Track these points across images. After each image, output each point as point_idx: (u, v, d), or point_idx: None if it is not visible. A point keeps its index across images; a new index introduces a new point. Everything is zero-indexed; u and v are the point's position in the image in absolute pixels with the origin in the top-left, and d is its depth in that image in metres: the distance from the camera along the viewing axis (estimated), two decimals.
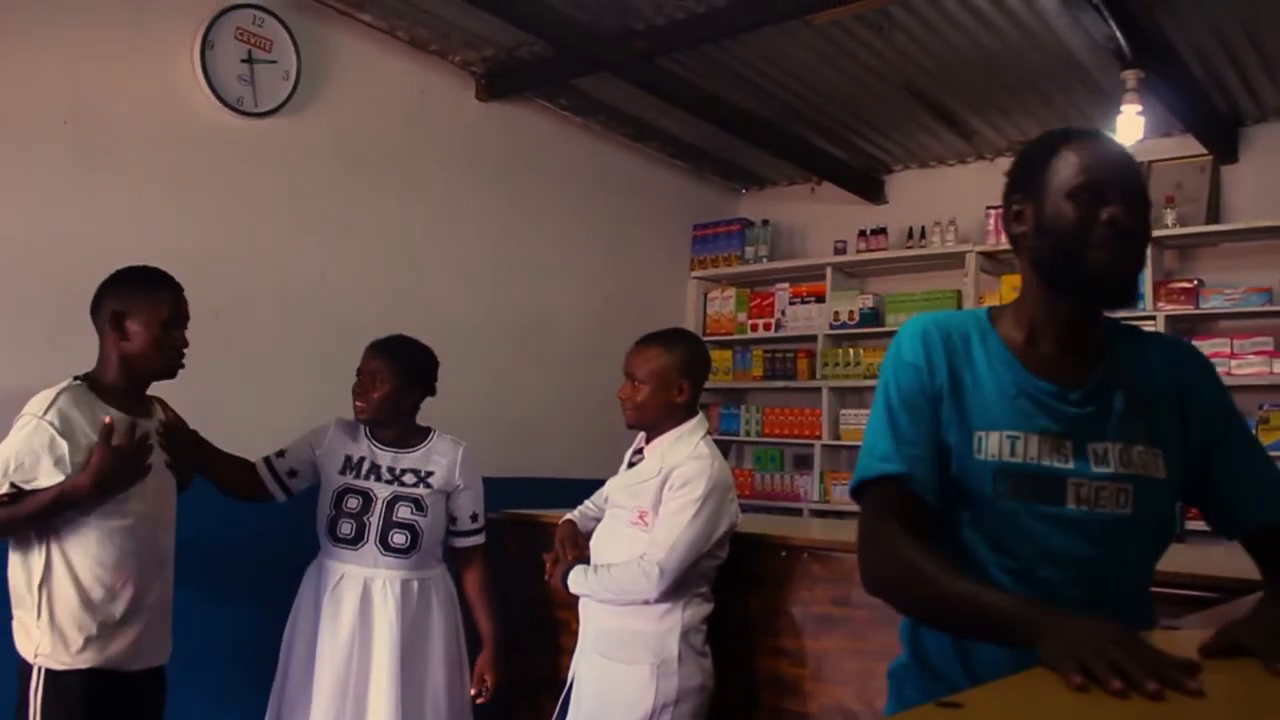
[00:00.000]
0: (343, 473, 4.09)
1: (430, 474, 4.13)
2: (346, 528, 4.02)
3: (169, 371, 3.40)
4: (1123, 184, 2.01)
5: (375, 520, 4.01)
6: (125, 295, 3.33)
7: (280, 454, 4.16)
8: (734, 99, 6.40)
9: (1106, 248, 1.98)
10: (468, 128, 6.24)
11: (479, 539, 4.28)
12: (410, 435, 4.20)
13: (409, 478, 4.10)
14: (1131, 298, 2.07)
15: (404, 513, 4.05)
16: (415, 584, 4.07)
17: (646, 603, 3.62)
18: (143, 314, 3.31)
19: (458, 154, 6.17)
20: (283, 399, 5.12)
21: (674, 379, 3.75)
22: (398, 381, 4.11)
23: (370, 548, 4.00)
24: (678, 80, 6.05)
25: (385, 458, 4.12)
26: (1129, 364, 2.11)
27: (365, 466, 4.10)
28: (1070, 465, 2.01)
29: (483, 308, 6.22)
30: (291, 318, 5.27)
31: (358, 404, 4.12)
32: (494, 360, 6.17)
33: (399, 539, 4.02)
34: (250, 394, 5.02)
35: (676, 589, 3.61)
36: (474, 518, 4.25)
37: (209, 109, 4.97)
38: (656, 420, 3.78)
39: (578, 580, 3.76)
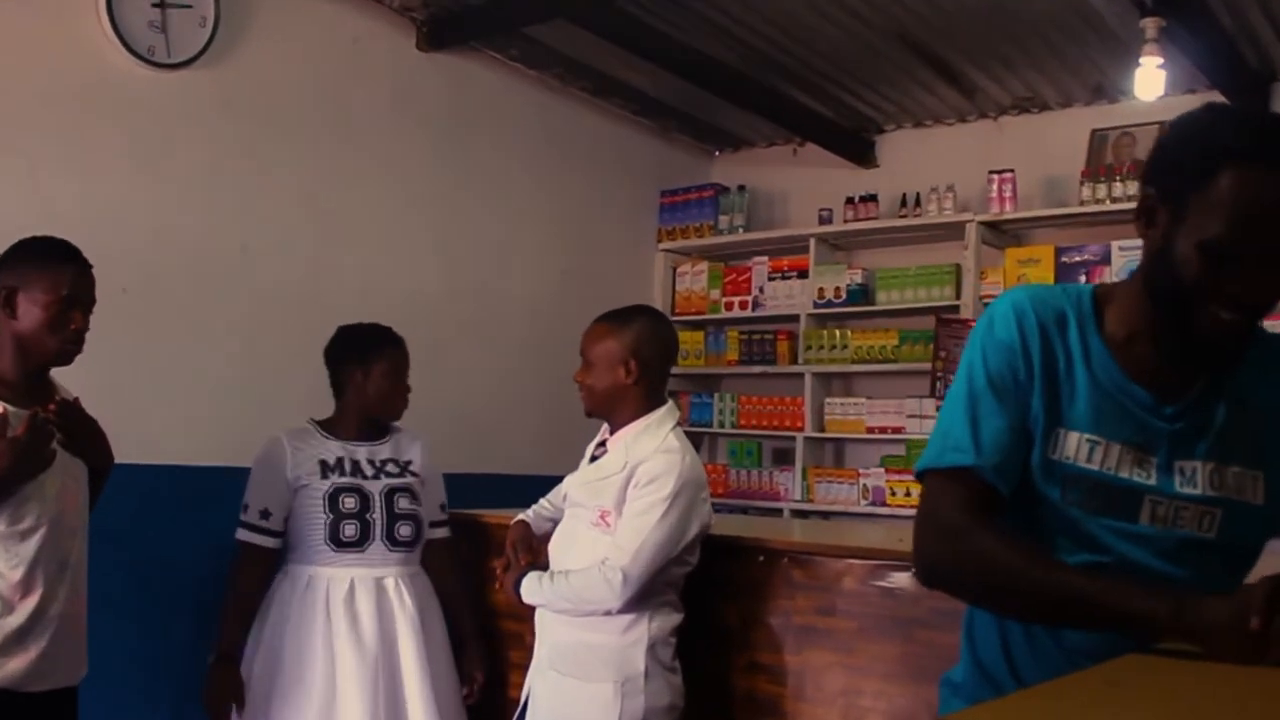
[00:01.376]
0: (325, 476, 4.19)
1: (409, 462, 4.32)
2: (350, 529, 4.14)
3: (63, 356, 3.35)
4: (1270, 249, 1.89)
5: (379, 516, 4.16)
6: (20, 269, 3.30)
7: (265, 515, 4.20)
8: (707, 49, 6.42)
9: (1220, 317, 1.92)
10: (407, 81, 6.25)
11: (448, 531, 4.46)
12: (375, 428, 4.35)
13: (392, 468, 4.27)
14: (1233, 363, 2.04)
15: (404, 504, 4.22)
16: (420, 578, 4.26)
17: (609, 613, 3.64)
18: (38, 290, 3.27)
19: (396, 111, 6.17)
20: (200, 387, 5.12)
21: (620, 358, 3.76)
22: None
23: (377, 545, 4.15)
24: (643, 28, 6.07)
25: (360, 451, 4.27)
26: (1240, 371, 2.06)
27: (346, 465, 4.22)
28: (1151, 481, 2.02)
29: (424, 284, 6.24)
30: (209, 295, 5.27)
31: (401, 403, 4.35)
32: (436, 343, 6.16)
33: (405, 531, 4.20)
34: (163, 381, 5.01)
35: (641, 597, 3.64)
36: (443, 507, 4.43)
37: (116, 59, 4.96)
38: (608, 406, 3.81)
39: (532, 589, 3.75)
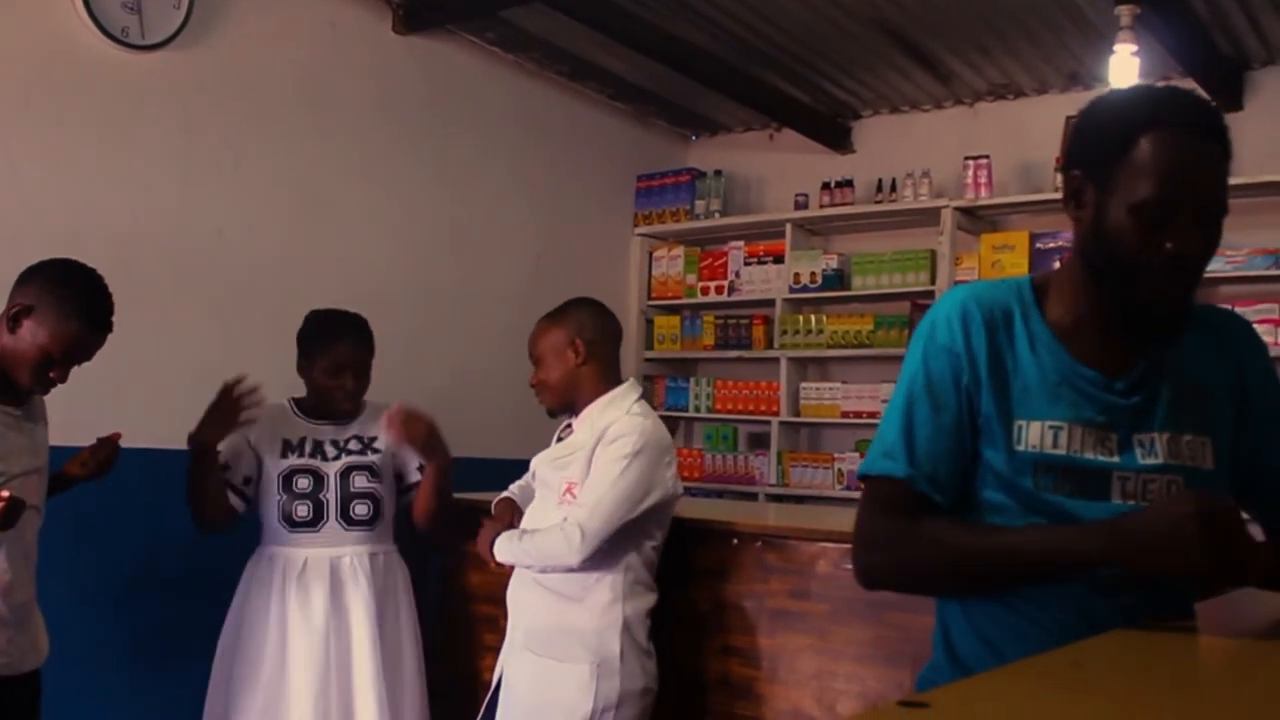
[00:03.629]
0: (285, 456, 4.21)
1: (374, 439, 4.29)
2: (303, 509, 4.15)
3: (27, 392, 3.36)
4: (1198, 202, 1.99)
5: (332, 496, 4.16)
6: (44, 298, 3.27)
7: (225, 467, 4.20)
8: (684, 34, 6.42)
9: (1163, 279, 1.99)
10: (383, 65, 6.23)
11: None
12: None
13: (354, 445, 4.26)
14: (1180, 330, 2.07)
15: (360, 482, 4.20)
16: (381, 559, 4.24)
17: (570, 570, 3.68)
18: (43, 331, 3.24)
19: (371, 95, 6.15)
20: (175, 371, 5.10)
21: (565, 343, 3.87)
22: (370, 366, 4.33)
23: (332, 525, 4.15)
24: (621, 12, 6.07)
25: (327, 432, 4.26)
26: (1178, 344, 2.12)
27: (308, 446, 4.23)
28: (1115, 459, 2.07)
29: (399, 268, 6.24)
30: (184, 279, 5.25)
31: (346, 405, 4.27)
32: (411, 327, 6.16)
33: (361, 510, 4.18)
34: (138, 365, 4.99)
35: (607, 564, 3.69)
36: (421, 468, 4.35)
37: (89, 41, 4.93)
38: (567, 395, 3.91)
39: (503, 547, 3.82)
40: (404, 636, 4.24)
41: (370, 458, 4.25)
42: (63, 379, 3.35)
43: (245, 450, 4.23)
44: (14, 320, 3.25)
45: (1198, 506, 1.79)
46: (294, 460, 4.19)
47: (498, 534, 3.87)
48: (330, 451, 4.22)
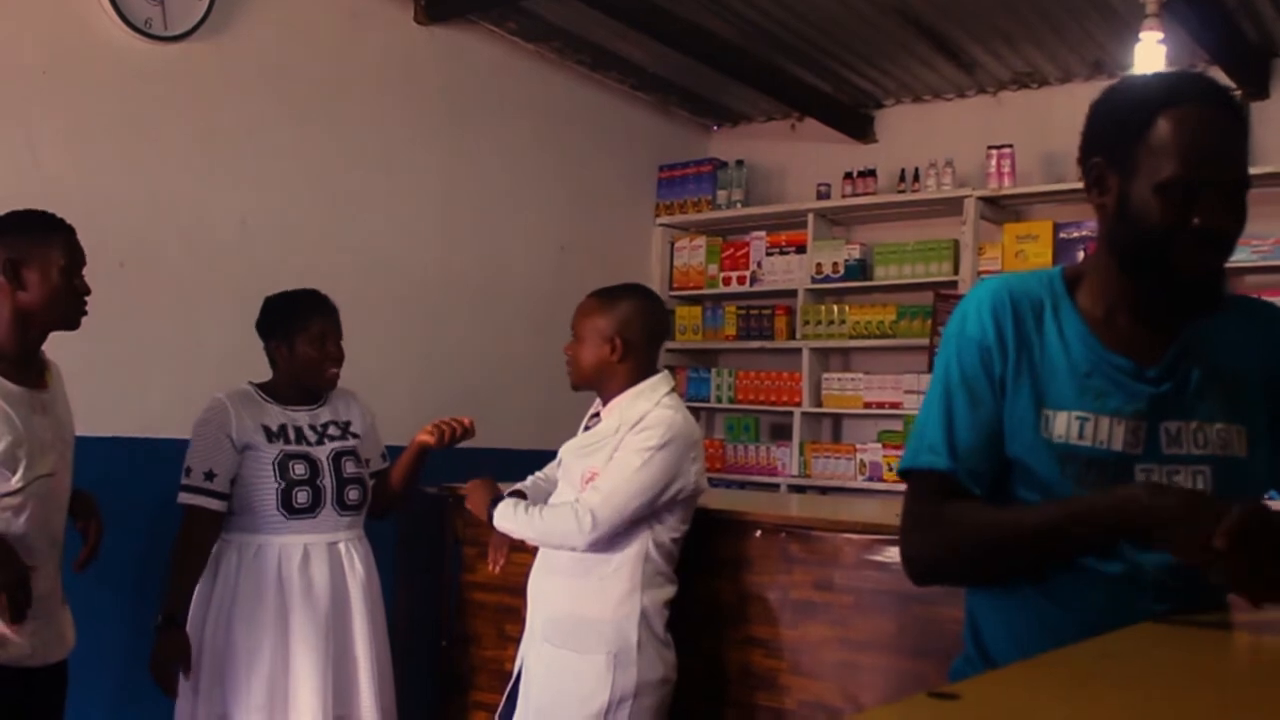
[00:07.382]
0: (272, 441, 4.12)
1: (349, 423, 4.28)
2: (303, 496, 4.09)
3: (72, 322, 3.39)
4: (1222, 174, 1.99)
5: (329, 482, 4.12)
6: (18, 242, 3.31)
7: (210, 476, 4.04)
8: (705, 23, 6.41)
9: (1194, 253, 1.98)
10: (405, 55, 6.23)
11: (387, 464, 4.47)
12: (311, 393, 4.29)
13: (333, 430, 4.23)
14: (1218, 301, 2.07)
15: (350, 468, 4.18)
16: (365, 542, 4.23)
17: (574, 550, 3.68)
18: (41, 262, 3.29)
19: (394, 85, 6.16)
20: (197, 361, 5.11)
21: (607, 336, 3.81)
22: None
23: (328, 511, 4.11)
24: (641, 1, 6.06)
25: (301, 418, 4.21)
26: (1210, 332, 2.11)
27: (290, 432, 4.16)
28: (1139, 451, 2.06)
29: (422, 258, 6.24)
30: (207, 269, 5.26)
31: (336, 371, 4.24)
32: (435, 317, 6.17)
33: (353, 495, 4.16)
34: (161, 356, 5.01)
35: (625, 554, 3.69)
36: (383, 456, 4.42)
37: (113, 32, 4.94)
38: (594, 380, 3.87)
39: (505, 513, 3.81)
40: (379, 620, 4.21)
41: (352, 443, 4.23)
42: (87, 287, 3.39)
43: (229, 450, 4.07)
44: (15, 279, 3.28)
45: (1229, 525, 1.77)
46: (283, 446, 4.11)
47: (494, 497, 3.88)
48: (311, 437, 4.17)
